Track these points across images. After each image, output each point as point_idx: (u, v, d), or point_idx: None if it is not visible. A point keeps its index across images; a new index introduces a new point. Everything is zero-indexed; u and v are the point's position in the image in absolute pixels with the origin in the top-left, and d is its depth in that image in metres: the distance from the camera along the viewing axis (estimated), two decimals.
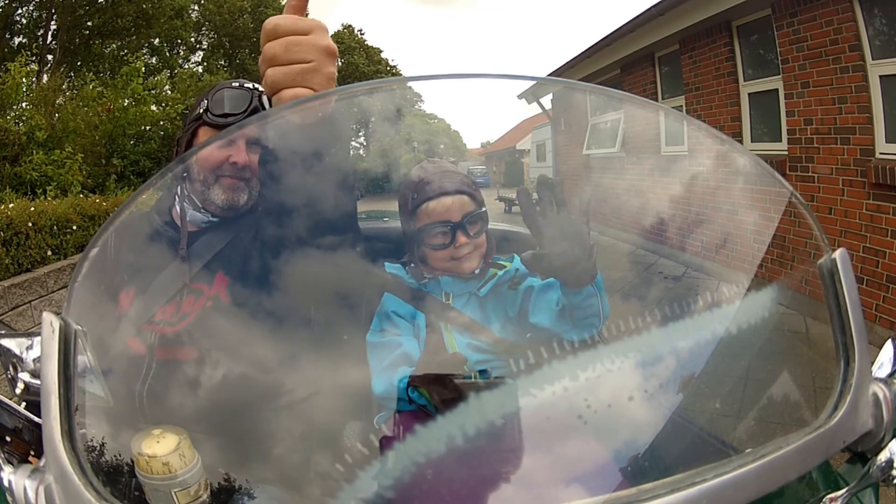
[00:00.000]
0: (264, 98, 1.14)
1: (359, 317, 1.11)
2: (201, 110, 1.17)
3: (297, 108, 0.80)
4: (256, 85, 1.16)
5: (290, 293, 1.11)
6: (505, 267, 1.11)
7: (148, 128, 9.54)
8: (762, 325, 0.82)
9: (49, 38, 13.95)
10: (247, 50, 18.33)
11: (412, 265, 1.10)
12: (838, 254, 0.76)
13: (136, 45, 15.43)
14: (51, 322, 0.62)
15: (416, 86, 0.93)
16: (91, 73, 14.10)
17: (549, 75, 7.74)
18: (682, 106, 5.66)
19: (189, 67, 15.79)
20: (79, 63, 14.61)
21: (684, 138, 0.93)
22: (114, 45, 15.24)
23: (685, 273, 1.07)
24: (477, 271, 1.09)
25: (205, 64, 17.21)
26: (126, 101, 9.33)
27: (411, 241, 1.11)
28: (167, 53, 16.60)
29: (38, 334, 0.66)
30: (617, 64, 6.82)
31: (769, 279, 0.85)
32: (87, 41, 14.60)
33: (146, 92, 9.66)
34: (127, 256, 1.09)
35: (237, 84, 1.18)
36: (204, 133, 1.17)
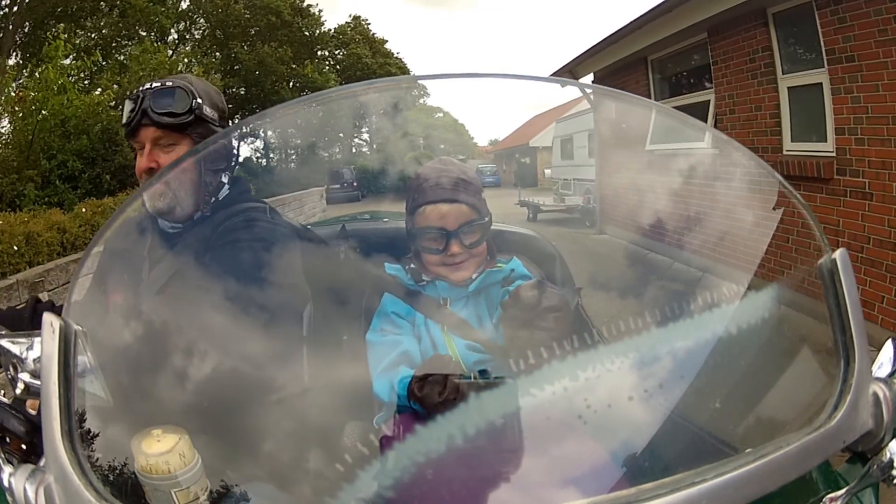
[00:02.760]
0: (149, 100, 1.10)
1: (359, 317, 1.11)
2: None
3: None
4: (155, 83, 1.13)
5: (291, 296, 1.11)
6: (500, 267, 1.10)
7: (78, 120, 7.41)
8: (762, 326, 0.82)
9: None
10: (243, 45, 17.50)
11: (412, 266, 1.10)
12: (838, 254, 0.76)
13: (116, 33, 13.57)
14: (51, 322, 0.62)
15: (421, 84, 0.92)
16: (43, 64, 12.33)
17: (593, 48, 6.67)
18: (822, 84, 3.90)
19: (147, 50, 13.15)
20: (36, 50, 12.09)
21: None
22: (91, 34, 13.42)
23: (701, 278, 1.04)
24: (475, 277, 1.07)
25: (195, 60, 16.33)
26: (50, 88, 7.30)
27: (411, 240, 1.11)
28: (154, 44, 15.68)
29: (39, 334, 0.65)
30: (702, 25, 4.88)
31: (769, 279, 0.85)
32: (41, 24, 12.24)
33: (64, 78, 7.51)
34: (122, 257, 1.10)
35: (133, 92, 1.16)
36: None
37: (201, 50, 16.96)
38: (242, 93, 17.95)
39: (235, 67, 17.32)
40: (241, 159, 1.21)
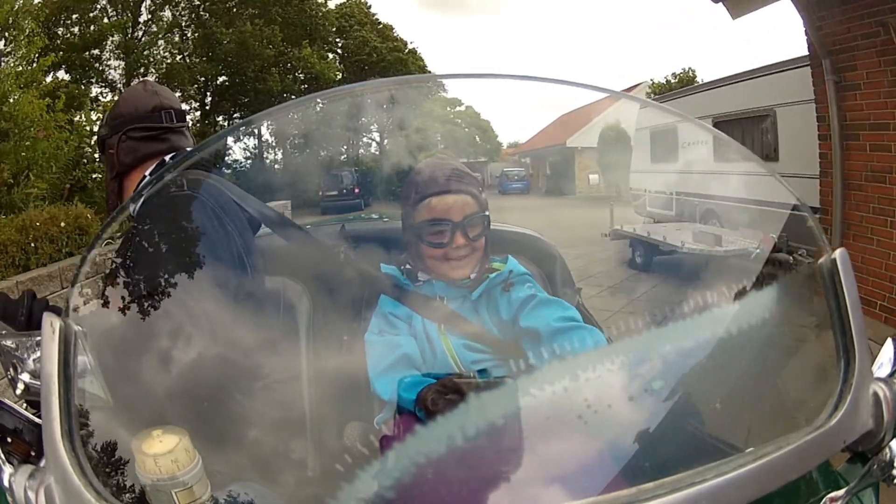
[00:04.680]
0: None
1: (358, 317, 1.11)
2: None
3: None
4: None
5: (289, 298, 1.11)
6: (498, 270, 1.10)
7: None
8: (762, 326, 0.82)
9: None
10: (224, 27, 14.50)
11: (407, 266, 1.10)
12: (838, 254, 0.76)
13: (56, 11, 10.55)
14: (51, 322, 0.62)
15: (440, 83, 0.91)
16: None
17: None
18: None
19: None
20: None
21: None
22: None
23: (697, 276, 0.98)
24: (473, 276, 1.07)
25: (162, 41, 13.81)
26: None
27: (409, 236, 1.10)
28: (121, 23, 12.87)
29: (39, 334, 0.66)
30: None
31: (769, 279, 0.85)
32: None
33: None
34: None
35: None
36: None
37: (162, 28, 14.09)
38: (226, 83, 15.47)
39: (221, 55, 14.77)
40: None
